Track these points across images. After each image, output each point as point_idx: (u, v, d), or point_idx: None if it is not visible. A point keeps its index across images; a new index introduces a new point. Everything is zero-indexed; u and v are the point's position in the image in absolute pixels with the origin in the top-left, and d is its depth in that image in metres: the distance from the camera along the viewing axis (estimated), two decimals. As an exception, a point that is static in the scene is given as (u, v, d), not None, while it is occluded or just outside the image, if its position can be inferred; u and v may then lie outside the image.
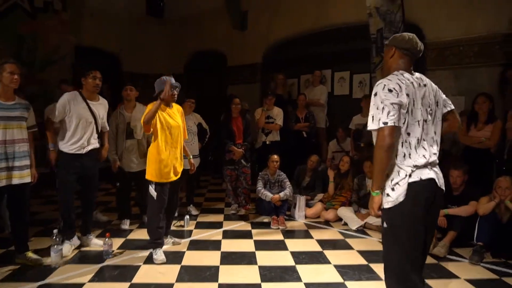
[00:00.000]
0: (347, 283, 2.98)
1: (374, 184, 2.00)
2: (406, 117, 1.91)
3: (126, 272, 3.12)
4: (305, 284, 2.94)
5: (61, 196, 3.49)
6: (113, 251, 3.50)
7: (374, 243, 3.96)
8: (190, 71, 9.03)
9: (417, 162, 1.92)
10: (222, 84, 8.28)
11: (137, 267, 3.23)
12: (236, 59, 8.10)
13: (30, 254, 3.25)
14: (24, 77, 6.26)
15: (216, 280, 3.00)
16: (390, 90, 1.89)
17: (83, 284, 2.89)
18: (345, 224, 4.44)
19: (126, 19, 8.53)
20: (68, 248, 3.46)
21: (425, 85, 2.01)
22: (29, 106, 3.22)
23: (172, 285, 2.91)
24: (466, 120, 4.44)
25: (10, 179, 3.05)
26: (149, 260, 3.40)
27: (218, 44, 8.39)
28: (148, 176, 3.38)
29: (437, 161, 2.02)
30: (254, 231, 4.28)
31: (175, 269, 3.21)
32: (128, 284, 2.91)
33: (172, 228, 4.32)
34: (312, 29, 6.92)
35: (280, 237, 4.10)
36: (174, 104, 3.53)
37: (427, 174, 1.93)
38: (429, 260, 3.48)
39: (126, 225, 4.27)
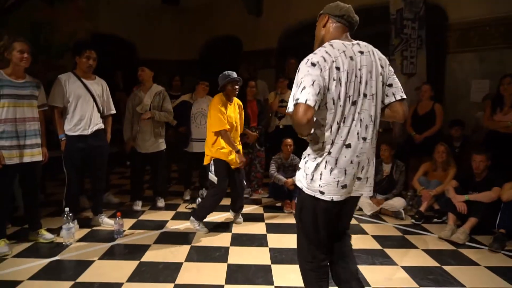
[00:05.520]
0: (360, 267, 2.85)
1: None
2: (341, 91, 1.65)
3: (136, 251, 3.12)
4: (316, 267, 2.86)
5: (67, 177, 3.47)
6: (124, 230, 3.50)
7: (389, 228, 3.84)
8: (205, 56, 8.99)
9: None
10: (237, 70, 8.18)
11: (147, 246, 3.22)
12: (251, 44, 7.99)
13: (43, 232, 3.30)
14: (42, 64, 6.45)
15: (225, 261, 2.96)
16: (313, 64, 1.63)
17: (93, 261, 2.90)
18: (360, 209, 4.32)
19: (141, 7, 8.52)
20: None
21: (361, 53, 1.71)
22: (39, 84, 3.21)
23: (181, 264, 2.89)
24: (490, 103, 4.25)
25: (22, 157, 3.06)
26: (160, 240, 3.40)
27: (233, 30, 8.30)
28: (207, 159, 3.67)
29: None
30: (266, 215, 4.22)
31: (185, 249, 3.18)
32: (137, 262, 2.90)
33: (184, 210, 4.33)
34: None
35: (292, 220, 4.01)
36: (234, 98, 3.77)
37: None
38: (447, 246, 3.36)
39: (138, 206, 4.29)
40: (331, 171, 1.70)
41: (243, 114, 3.93)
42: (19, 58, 2.98)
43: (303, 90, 1.60)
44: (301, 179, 1.81)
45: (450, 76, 5.44)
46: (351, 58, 1.68)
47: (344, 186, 1.72)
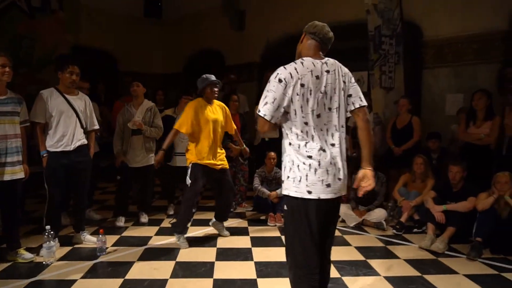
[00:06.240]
0: (344, 278, 2.93)
1: None
2: (303, 105, 1.89)
3: (120, 268, 3.07)
4: (301, 280, 2.89)
5: (48, 194, 3.39)
6: (107, 247, 3.45)
7: (372, 239, 3.91)
8: (189, 70, 9.01)
9: (312, 152, 1.91)
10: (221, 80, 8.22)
11: (131, 263, 3.18)
12: (233, 58, 8.07)
13: (22, 251, 3.21)
14: (23, 77, 6.34)
15: (211, 276, 2.95)
16: (280, 80, 1.89)
17: (75, 281, 2.84)
18: (343, 221, 4.39)
19: (123, 19, 8.51)
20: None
21: (328, 72, 1.95)
22: (21, 100, 3.17)
23: (166, 281, 2.86)
24: (465, 117, 4.43)
25: (2, 175, 3.00)
26: (144, 256, 3.36)
27: (215, 44, 8.36)
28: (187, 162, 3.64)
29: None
30: (250, 228, 4.23)
31: (169, 265, 3.16)
32: (121, 280, 2.86)
33: (168, 225, 4.30)
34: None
35: (277, 233, 4.05)
36: (215, 101, 3.74)
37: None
38: (428, 255, 3.45)
39: (121, 222, 4.22)
40: (315, 171, 1.90)
41: (229, 115, 3.89)
42: (0, 73, 2.95)
43: (265, 105, 1.91)
44: (287, 187, 1.96)
45: (427, 90, 5.65)
46: (317, 77, 1.92)
47: (328, 185, 1.91)
